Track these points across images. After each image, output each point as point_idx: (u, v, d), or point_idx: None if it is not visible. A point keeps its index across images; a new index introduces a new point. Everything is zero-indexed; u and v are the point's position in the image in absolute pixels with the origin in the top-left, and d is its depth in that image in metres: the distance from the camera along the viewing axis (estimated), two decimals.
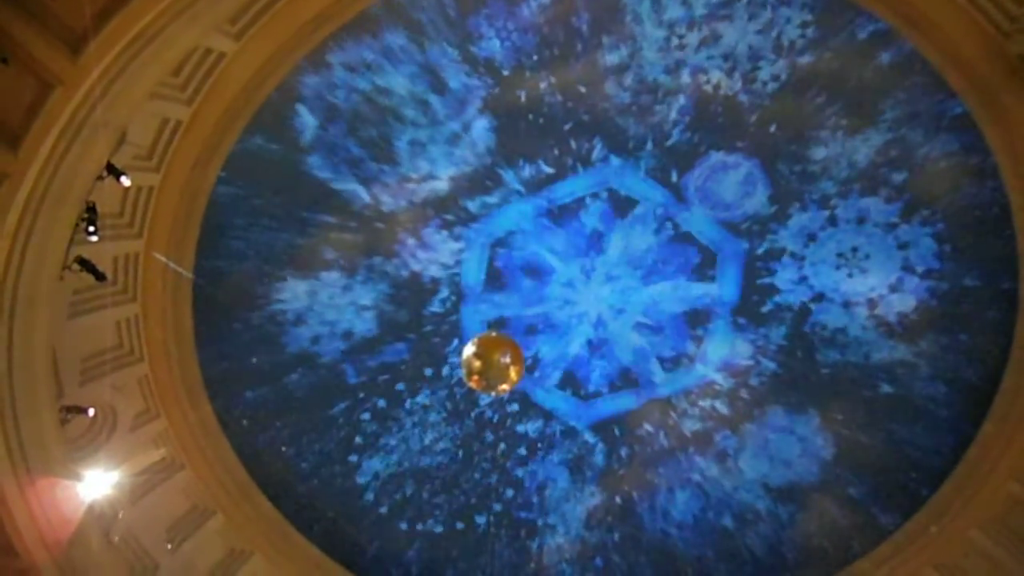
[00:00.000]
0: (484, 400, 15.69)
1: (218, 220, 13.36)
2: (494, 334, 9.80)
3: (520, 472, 16.06)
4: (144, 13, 8.52)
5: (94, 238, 10.64)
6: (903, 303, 14.56)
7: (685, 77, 14.00)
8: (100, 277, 11.18)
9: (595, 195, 15.30)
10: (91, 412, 11.32)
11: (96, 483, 11.16)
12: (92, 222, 10.52)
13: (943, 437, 14.32)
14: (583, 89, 14.19)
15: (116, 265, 12.23)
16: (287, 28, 11.53)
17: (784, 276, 15.13)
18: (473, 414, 15.87)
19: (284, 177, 13.85)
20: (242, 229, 13.88)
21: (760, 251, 15.09)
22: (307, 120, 13.60)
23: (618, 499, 15.97)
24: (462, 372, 9.32)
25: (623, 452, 16.08)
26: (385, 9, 12.43)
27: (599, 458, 16.11)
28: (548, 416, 16.17)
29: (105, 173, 10.45)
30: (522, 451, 16.08)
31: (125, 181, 10.74)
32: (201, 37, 10.38)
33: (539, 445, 16.13)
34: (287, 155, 13.75)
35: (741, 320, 15.53)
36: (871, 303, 14.76)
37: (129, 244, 12.31)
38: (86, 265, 10.88)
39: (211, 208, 13.08)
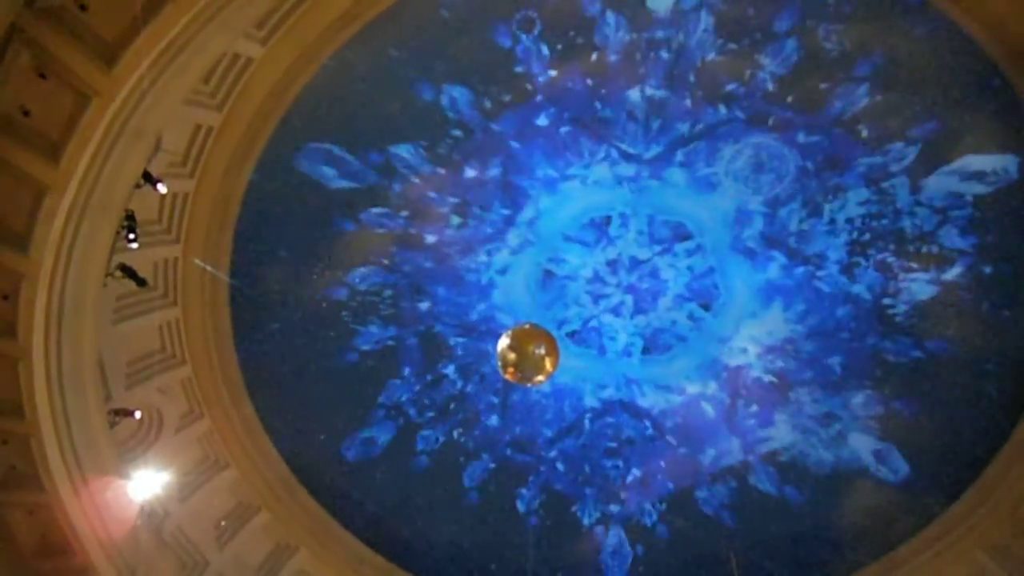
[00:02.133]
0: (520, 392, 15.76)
1: (253, 221, 13.56)
2: (528, 325, 9.77)
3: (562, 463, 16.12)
4: (174, 22, 8.66)
5: (134, 245, 10.92)
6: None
7: None
8: (141, 283, 11.47)
9: None
10: (138, 415, 11.65)
11: (146, 483, 11.49)
12: (132, 229, 10.80)
13: (992, 416, 13.99)
14: None
15: (156, 270, 12.53)
16: (312, 30, 11.62)
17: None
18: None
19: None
20: (277, 230, 14.10)
21: None
22: None
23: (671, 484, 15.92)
24: (498, 364, 9.34)
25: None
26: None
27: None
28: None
29: (142, 181, 10.70)
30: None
31: (161, 188, 10.99)
32: (229, 43, 10.52)
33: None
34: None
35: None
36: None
37: (168, 249, 12.59)
38: (128, 271, 11.17)
39: (245, 210, 13.30)
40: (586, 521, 16.05)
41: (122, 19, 8.47)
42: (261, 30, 11.14)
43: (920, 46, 12.57)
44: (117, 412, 11.47)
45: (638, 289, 15.87)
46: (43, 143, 8.96)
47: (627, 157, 14.63)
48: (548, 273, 15.77)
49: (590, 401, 16.35)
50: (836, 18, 12.72)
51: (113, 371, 11.68)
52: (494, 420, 16.03)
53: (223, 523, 13.35)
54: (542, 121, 14.19)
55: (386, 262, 14.92)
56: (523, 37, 13.26)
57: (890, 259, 14.39)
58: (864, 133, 13.68)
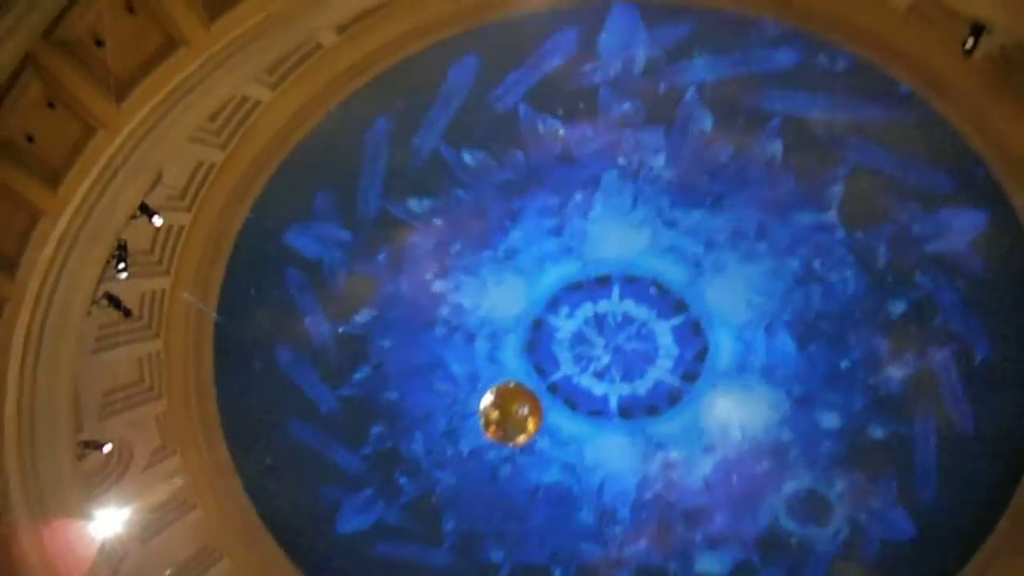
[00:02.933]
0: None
1: (244, 259, 13.56)
2: (512, 384, 9.73)
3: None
4: (187, 63, 8.85)
5: (123, 275, 10.85)
6: None
7: None
8: (127, 313, 11.37)
9: None
10: (107, 448, 11.35)
11: (108, 521, 11.10)
12: (122, 259, 10.75)
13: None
14: None
15: (143, 301, 12.43)
16: (322, 78, 11.90)
17: None
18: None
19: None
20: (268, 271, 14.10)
21: None
22: None
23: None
24: (480, 422, 9.25)
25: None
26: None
27: None
28: None
29: (139, 212, 10.72)
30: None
31: (157, 221, 11.00)
32: (240, 86, 10.74)
33: None
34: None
35: None
36: None
37: (157, 281, 12.52)
38: (113, 301, 11.07)
39: (238, 248, 13.31)
40: None
41: (136, 57, 8.66)
42: (272, 75, 11.39)
43: (906, 133, 12.99)
44: (87, 444, 11.18)
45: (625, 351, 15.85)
46: (44, 169, 9.02)
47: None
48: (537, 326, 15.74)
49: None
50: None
51: (87, 401, 11.44)
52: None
53: (183, 568, 12.85)
54: (539, 183, 14.46)
55: (374, 309, 14.89)
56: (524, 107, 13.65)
57: (879, 343, 14.52)
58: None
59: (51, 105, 8.65)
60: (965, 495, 13.94)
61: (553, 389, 15.83)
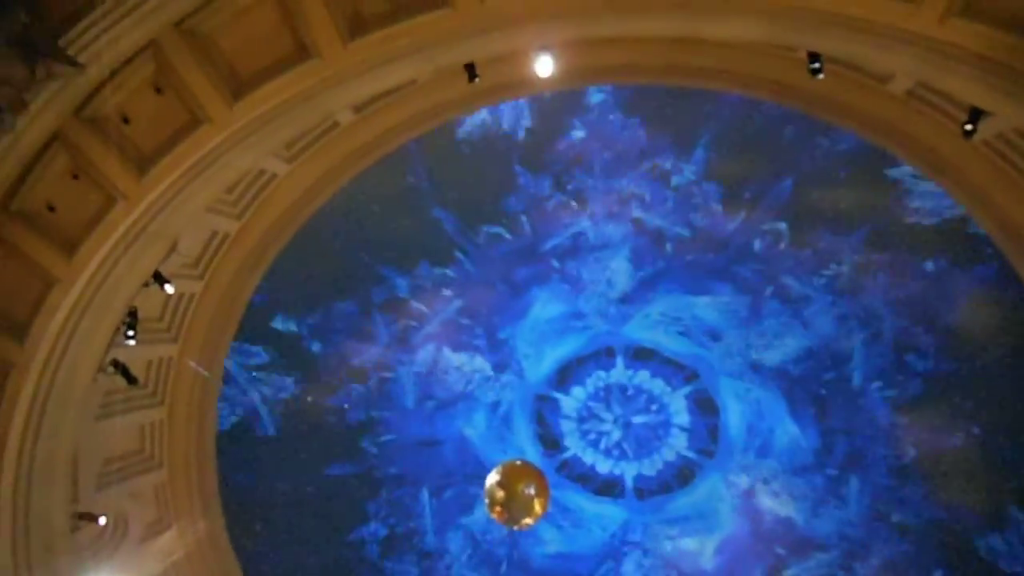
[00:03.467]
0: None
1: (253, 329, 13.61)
2: (519, 462, 9.48)
3: None
4: (208, 140, 9.13)
5: (132, 342, 10.85)
6: None
7: None
8: (132, 380, 11.30)
9: None
10: (103, 520, 11.06)
11: None
12: (132, 326, 10.77)
13: None
14: None
15: (149, 368, 12.38)
16: (337, 154, 12.22)
17: None
18: None
19: None
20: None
21: None
22: None
23: None
24: (485, 502, 8.98)
25: None
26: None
27: None
28: None
29: (151, 280, 10.82)
30: None
31: (169, 289, 11.09)
32: (257, 160, 11.03)
33: None
34: None
35: None
36: None
37: (164, 348, 12.51)
38: (120, 368, 11.02)
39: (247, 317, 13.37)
40: None
41: (160, 133, 8.94)
42: (289, 150, 11.70)
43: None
44: (81, 516, 10.91)
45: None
46: (61, 238, 9.16)
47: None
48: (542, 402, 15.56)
49: None
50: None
51: (86, 469, 11.23)
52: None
53: None
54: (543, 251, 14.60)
55: (379, 377, 14.78)
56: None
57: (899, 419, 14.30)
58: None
59: (75, 177, 8.88)
60: None
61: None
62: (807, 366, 14.69)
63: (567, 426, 15.51)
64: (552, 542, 15.09)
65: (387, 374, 14.72)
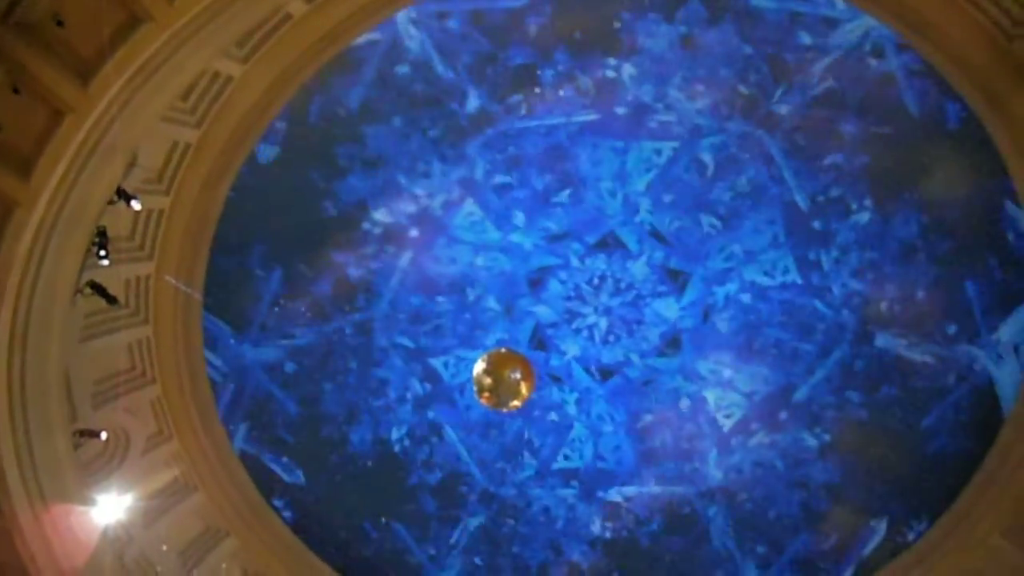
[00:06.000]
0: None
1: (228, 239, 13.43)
2: (504, 350, 9.77)
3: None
4: (152, 40, 8.62)
5: (105, 262, 10.71)
6: None
7: None
8: (111, 300, 11.24)
9: None
10: (104, 436, 11.33)
11: (110, 507, 11.14)
12: (103, 246, 10.60)
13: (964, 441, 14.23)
14: None
15: (128, 288, 12.30)
16: (292, 50, 11.63)
17: None
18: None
19: None
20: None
21: None
22: None
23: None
24: (473, 389, 9.29)
25: None
26: None
27: None
28: None
29: (116, 197, 10.54)
30: None
31: (135, 205, 10.82)
32: (209, 61, 10.48)
33: None
34: None
35: None
36: None
37: (140, 267, 12.38)
38: (98, 289, 10.94)
39: (220, 229, 13.16)
40: None
41: (99, 36, 8.41)
42: (241, 49, 11.12)
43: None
44: (82, 433, 11.15)
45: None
46: (14, 158, 8.82)
47: None
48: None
49: None
50: None
51: (79, 390, 11.38)
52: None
53: (189, 549, 12.97)
54: None
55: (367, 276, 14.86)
56: None
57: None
58: None
59: (16, 91, 8.41)
60: None
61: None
62: None
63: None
64: None
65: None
